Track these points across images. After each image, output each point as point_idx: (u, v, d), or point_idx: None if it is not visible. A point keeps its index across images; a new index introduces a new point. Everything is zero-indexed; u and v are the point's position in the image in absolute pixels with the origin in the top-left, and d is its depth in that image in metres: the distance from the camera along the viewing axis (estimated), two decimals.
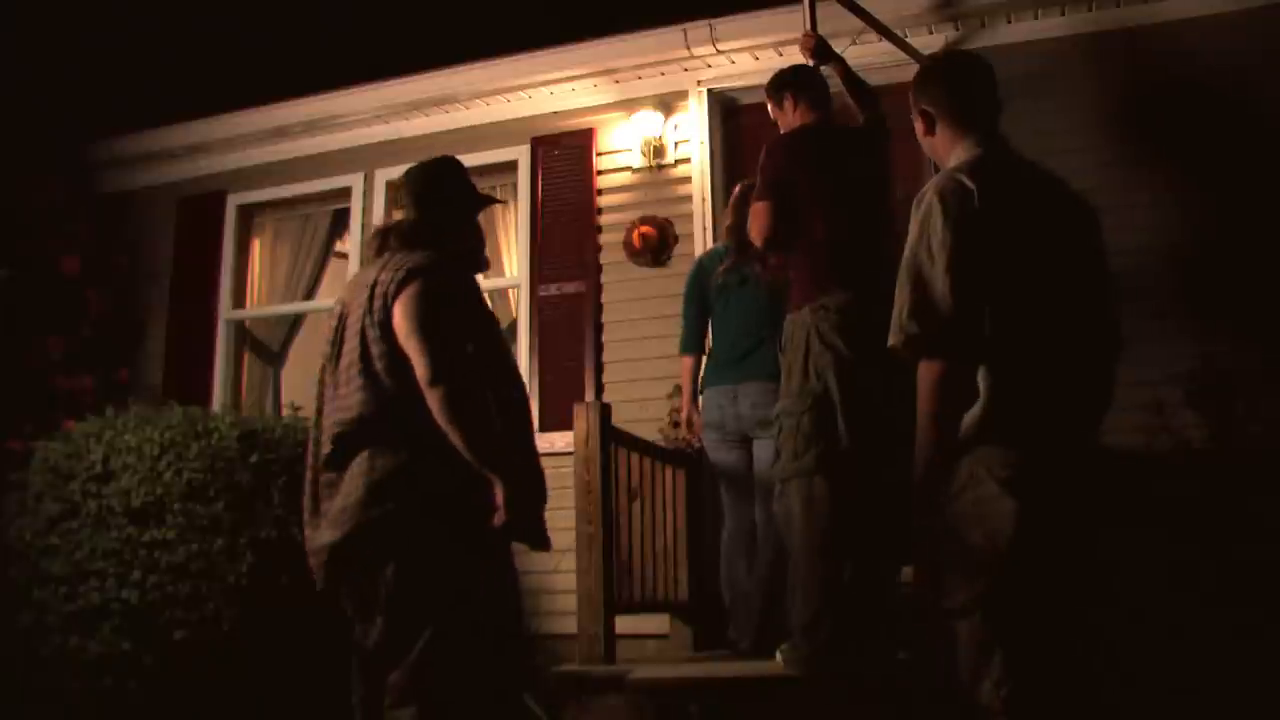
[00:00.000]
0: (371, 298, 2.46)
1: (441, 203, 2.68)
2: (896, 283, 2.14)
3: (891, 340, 2.13)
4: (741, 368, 4.00)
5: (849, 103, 3.83)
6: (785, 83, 3.66)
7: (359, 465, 2.41)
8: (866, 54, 4.59)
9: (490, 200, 2.99)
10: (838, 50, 4.03)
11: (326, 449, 2.48)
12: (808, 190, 3.34)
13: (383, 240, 2.64)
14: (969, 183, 2.10)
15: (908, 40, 4.72)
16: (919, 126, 2.36)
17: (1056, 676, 2.01)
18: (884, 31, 4.59)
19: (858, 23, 4.48)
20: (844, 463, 3.11)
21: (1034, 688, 1.97)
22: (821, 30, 4.06)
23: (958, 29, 4.86)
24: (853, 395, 3.12)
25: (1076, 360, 2.16)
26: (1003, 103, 2.36)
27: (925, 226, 2.10)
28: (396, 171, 5.61)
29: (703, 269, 4.31)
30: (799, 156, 3.40)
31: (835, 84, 3.86)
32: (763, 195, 3.36)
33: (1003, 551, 1.98)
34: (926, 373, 2.09)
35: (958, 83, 2.33)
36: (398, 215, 2.67)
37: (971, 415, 2.06)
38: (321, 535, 2.45)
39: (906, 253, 2.14)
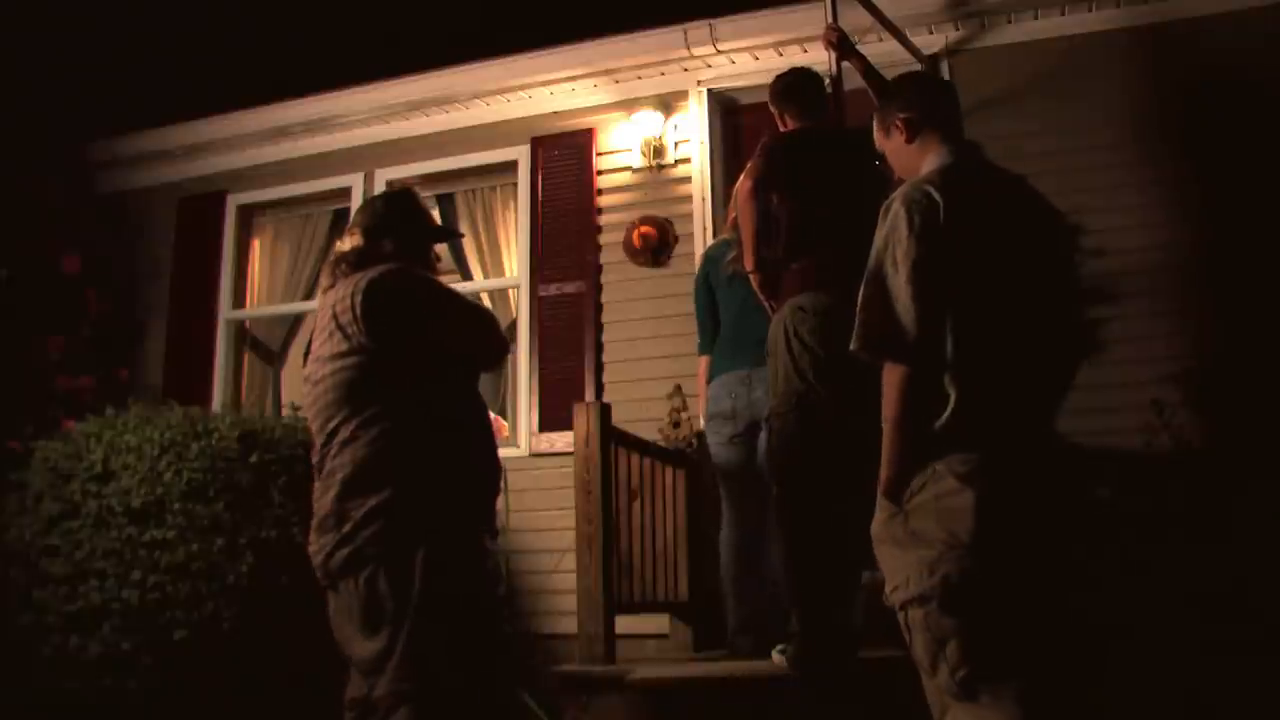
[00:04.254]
0: (335, 315, 2.50)
1: (389, 235, 2.68)
2: (861, 288, 2.20)
3: (853, 345, 2.19)
4: (757, 352, 3.94)
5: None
6: (771, 97, 3.72)
7: (327, 476, 2.47)
8: (869, 53, 4.60)
9: (445, 234, 3.04)
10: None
11: (314, 461, 2.54)
12: (786, 194, 3.38)
13: (334, 270, 2.67)
14: (935, 194, 2.15)
15: (910, 40, 4.73)
16: (900, 135, 2.39)
17: (1022, 661, 2.03)
18: (891, 29, 4.60)
19: (862, 22, 4.48)
20: (830, 463, 3.11)
21: (994, 671, 2.01)
22: (824, 28, 4.07)
23: (958, 28, 4.87)
24: (836, 395, 3.13)
25: (1039, 363, 2.20)
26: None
27: (891, 235, 2.16)
28: (396, 172, 5.66)
29: (710, 260, 4.29)
30: (782, 159, 3.43)
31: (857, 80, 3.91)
32: (747, 191, 3.43)
33: (962, 544, 2.02)
34: (890, 377, 2.14)
35: (933, 93, 2.44)
36: (347, 243, 2.70)
37: (940, 423, 2.09)
38: (312, 552, 2.49)
39: (872, 260, 2.19)
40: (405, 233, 2.70)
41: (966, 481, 2.04)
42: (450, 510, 2.47)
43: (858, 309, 2.19)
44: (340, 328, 2.48)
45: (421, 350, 2.52)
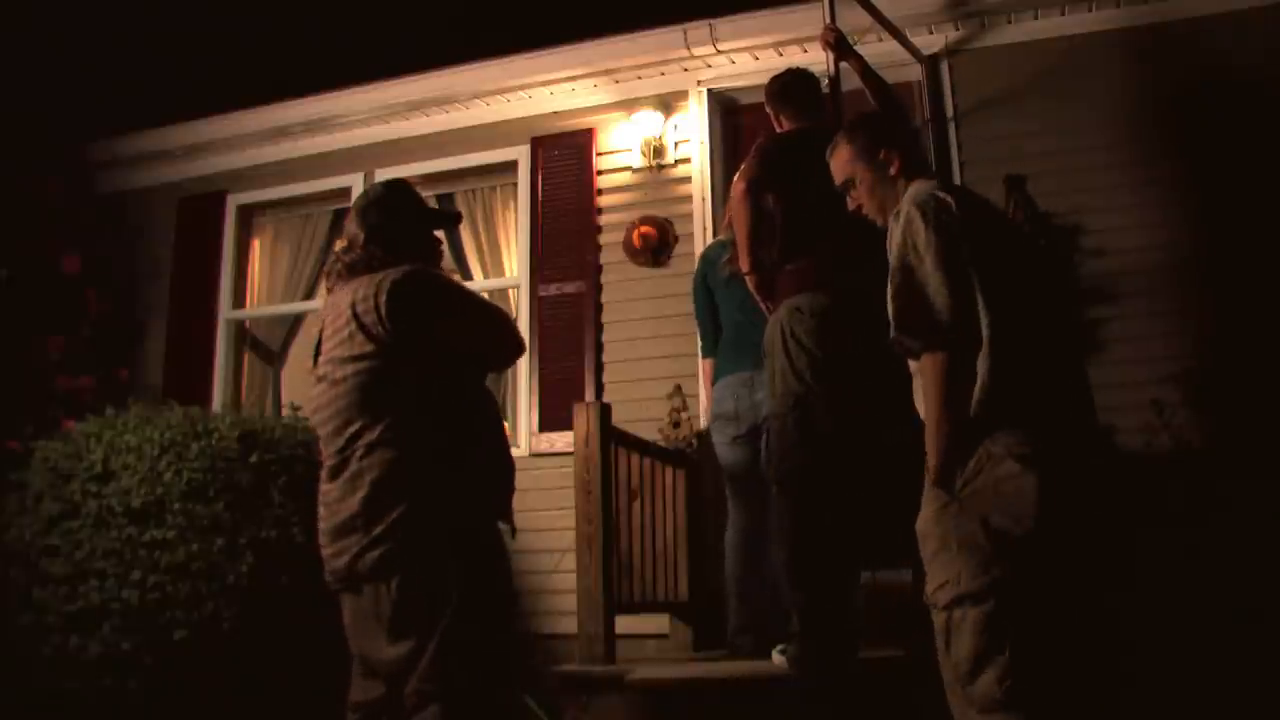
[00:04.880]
0: (356, 315, 2.48)
1: (386, 229, 2.67)
2: (887, 287, 2.24)
3: (893, 335, 2.21)
4: (757, 354, 3.93)
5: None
6: (767, 98, 3.74)
7: (352, 478, 2.45)
8: (868, 53, 4.61)
9: (441, 219, 3.02)
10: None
11: (328, 463, 2.52)
12: (781, 194, 3.39)
13: (331, 272, 2.67)
14: (943, 195, 2.24)
15: (910, 40, 4.73)
16: (892, 168, 2.44)
17: (1065, 667, 2.00)
18: (891, 29, 4.60)
19: (861, 22, 4.48)
20: (829, 463, 3.12)
21: (1040, 678, 1.96)
22: (822, 28, 4.06)
23: (958, 28, 4.87)
24: (833, 395, 3.13)
25: (1058, 352, 2.25)
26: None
27: (908, 232, 2.22)
28: (396, 172, 5.65)
29: (707, 262, 4.30)
30: (778, 159, 3.44)
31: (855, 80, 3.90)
32: (741, 192, 3.42)
33: (1026, 530, 1.98)
34: (930, 365, 2.15)
35: (915, 136, 2.55)
36: (342, 243, 2.72)
37: (976, 402, 2.11)
38: (331, 554, 2.49)
39: (893, 261, 2.24)
40: (399, 229, 2.68)
41: (1028, 464, 2.02)
42: (477, 510, 2.49)
43: (889, 304, 2.22)
44: (363, 327, 2.46)
45: (443, 350, 2.52)
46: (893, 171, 2.44)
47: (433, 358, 2.50)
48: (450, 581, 2.37)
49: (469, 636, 2.38)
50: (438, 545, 2.39)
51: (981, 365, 2.10)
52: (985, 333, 2.11)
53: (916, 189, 2.35)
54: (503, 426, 2.73)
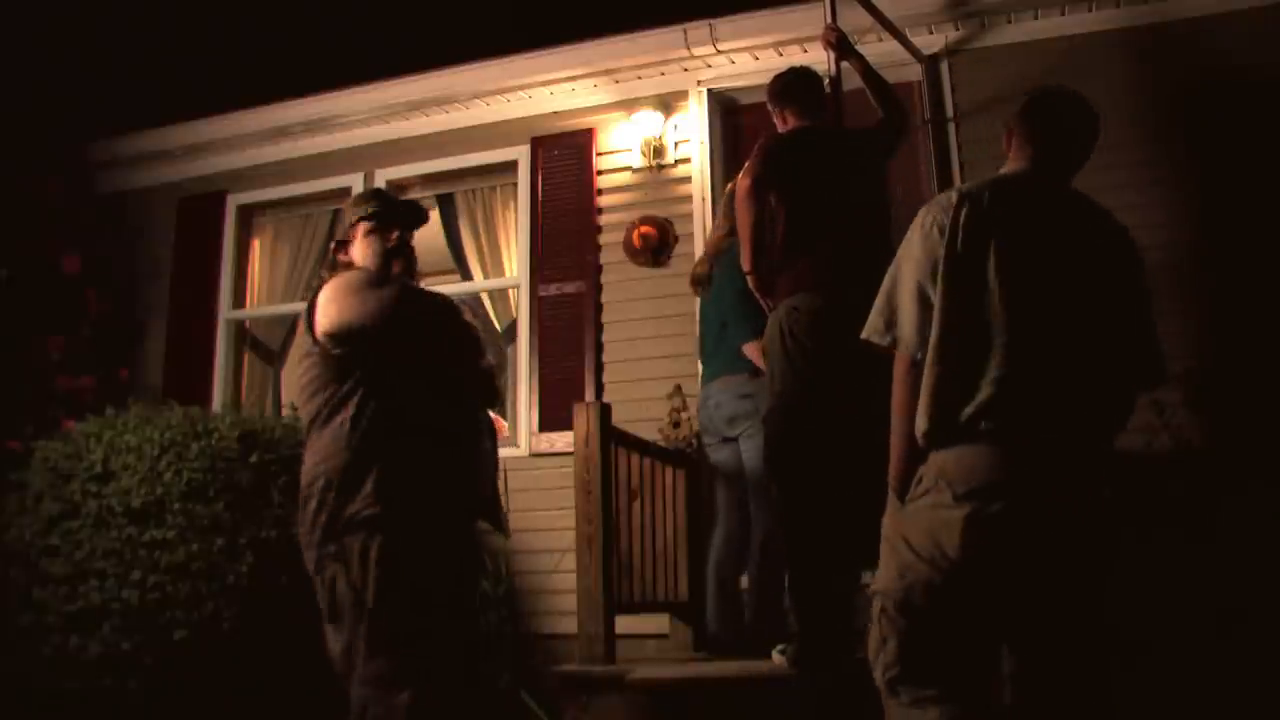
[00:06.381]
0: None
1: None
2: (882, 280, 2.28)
3: (864, 333, 2.26)
4: (707, 367, 4.11)
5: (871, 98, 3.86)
6: (770, 96, 3.75)
7: (306, 473, 2.55)
8: (868, 53, 4.61)
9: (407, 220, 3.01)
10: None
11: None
12: (783, 193, 3.39)
13: (331, 259, 2.78)
14: (957, 199, 2.21)
15: (910, 40, 4.73)
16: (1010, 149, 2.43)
17: (952, 679, 2.11)
18: (891, 29, 4.60)
19: (862, 22, 4.48)
20: (827, 462, 3.12)
21: (929, 676, 2.10)
22: (823, 28, 4.07)
23: (958, 28, 4.87)
24: (830, 394, 3.13)
25: (1074, 378, 2.16)
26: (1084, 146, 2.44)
27: (911, 232, 2.25)
28: (396, 172, 5.66)
29: None
30: (781, 158, 3.44)
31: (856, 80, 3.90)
32: (746, 190, 3.42)
33: (942, 558, 2.06)
34: (896, 368, 2.20)
35: (1033, 113, 2.39)
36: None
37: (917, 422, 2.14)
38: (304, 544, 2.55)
39: (898, 254, 2.27)
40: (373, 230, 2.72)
41: (961, 501, 2.06)
42: (408, 498, 2.48)
43: (877, 296, 2.27)
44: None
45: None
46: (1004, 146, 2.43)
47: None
48: (367, 571, 2.38)
49: (398, 630, 2.36)
50: (349, 534, 2.41)
51: (924, 388, 2.11)
52: (929, 355, 2.10)
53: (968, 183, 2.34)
54: (463, 419, 2.70)
